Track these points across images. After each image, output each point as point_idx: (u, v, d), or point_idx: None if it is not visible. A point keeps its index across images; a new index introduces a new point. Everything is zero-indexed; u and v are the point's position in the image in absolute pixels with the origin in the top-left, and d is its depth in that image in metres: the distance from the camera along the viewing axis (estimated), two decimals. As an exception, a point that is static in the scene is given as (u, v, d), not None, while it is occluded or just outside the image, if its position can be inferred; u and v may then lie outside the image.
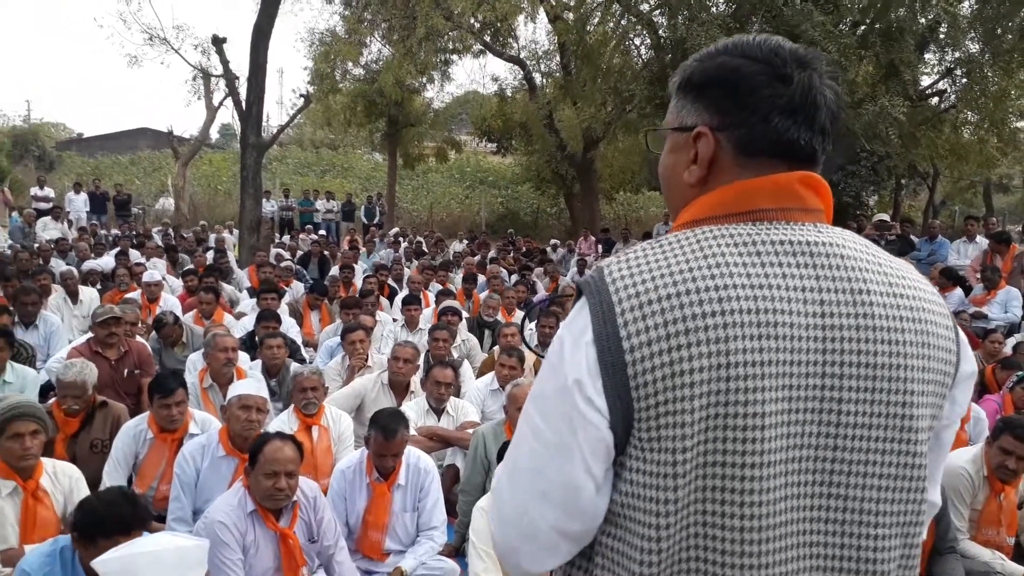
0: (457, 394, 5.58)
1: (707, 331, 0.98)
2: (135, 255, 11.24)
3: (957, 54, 11.60)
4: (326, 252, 13.08)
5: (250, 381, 4.41)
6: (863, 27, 10.44)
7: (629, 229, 17.50)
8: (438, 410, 5.05)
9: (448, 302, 7.64)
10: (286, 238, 17.14)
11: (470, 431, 4.78)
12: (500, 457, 3.29)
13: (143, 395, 5.18)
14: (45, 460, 3.60)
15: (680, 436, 0.99)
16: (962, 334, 1.17)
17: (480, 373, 6.12)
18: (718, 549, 1.01)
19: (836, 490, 1.04)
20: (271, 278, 9.42)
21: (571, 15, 16.18)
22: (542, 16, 17.62)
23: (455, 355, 6.35)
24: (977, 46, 11.24)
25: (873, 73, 10.05)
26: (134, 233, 15.01)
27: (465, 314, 7.94)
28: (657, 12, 13.23)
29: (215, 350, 5.00)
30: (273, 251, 12.83)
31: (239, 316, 7.94)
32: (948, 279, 8.85)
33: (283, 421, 4.55)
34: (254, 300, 8.59)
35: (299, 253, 13.51)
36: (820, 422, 1.03)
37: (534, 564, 1.11)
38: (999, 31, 10.06)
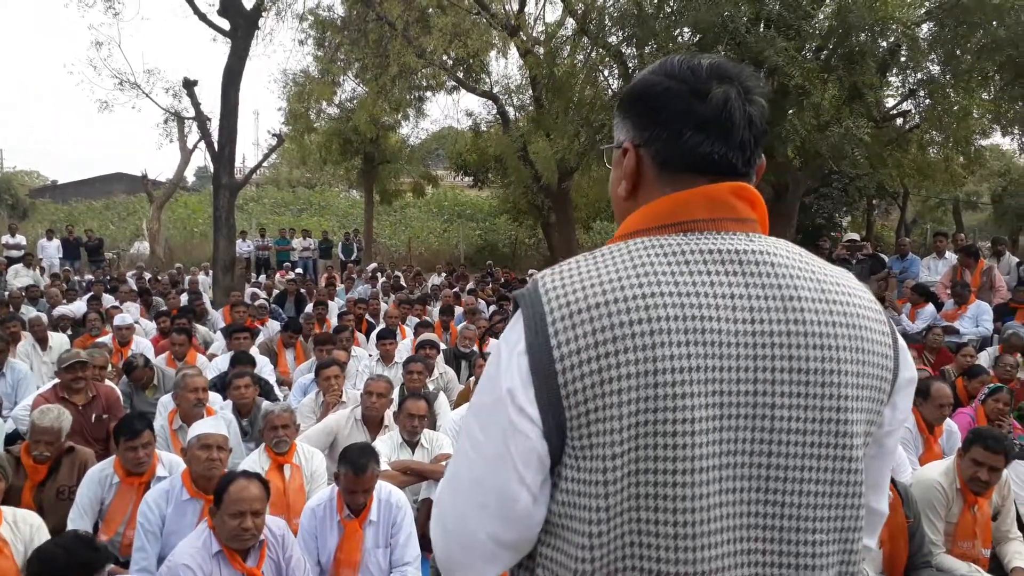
0: (432, 426, 5.53)
1: (634, 338, 0.99)
2: (109, 299, 11.12)
3: (919, 75, 11.85)
4: (302, 290, 13.02)
5: (208, 420, 4.32)
6: (825, 52, 10.65)
7: (606, 258, 17.51)
8: (412, 443, 4.99)
9: (426, 335, 7.61)
10: (262, 277, 17.06)
11: (444, 464, 4.73)
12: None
13: (112, 441, 5.09)
14: (5, 509, 3.52)
15: (610, 443, 0.99)
16: (901, 340, 1.17)
17: (457, 404, 6.08)
18: (652, 557, 1.00)
19: (772, 496, 1.04)
20: (240, 318, 9.38)
21: (541, 49, 16.39)
22: (513, 51, 17.85)
23: (431, 388, 6.30)
24: (938, 67, 11.48)
25: (837, 96, 10.25)
26: (107, 278, 14.87)
27: (443, 346, 7.91)
28: (624, 44, 13.43)
29: (185, 391, 4.94)
30: (248, 290, 12.75)
31: (211, 357, 7.86)
32: (920, 295, 8.94)
33: (254, 460, 4.48)
34: (225, 340, 8.53)
35: (275, 292, 13.47)
36: (753, 428, 1.03)
37: (474, 575, 1.11)
38: (958, 52, 10.30)
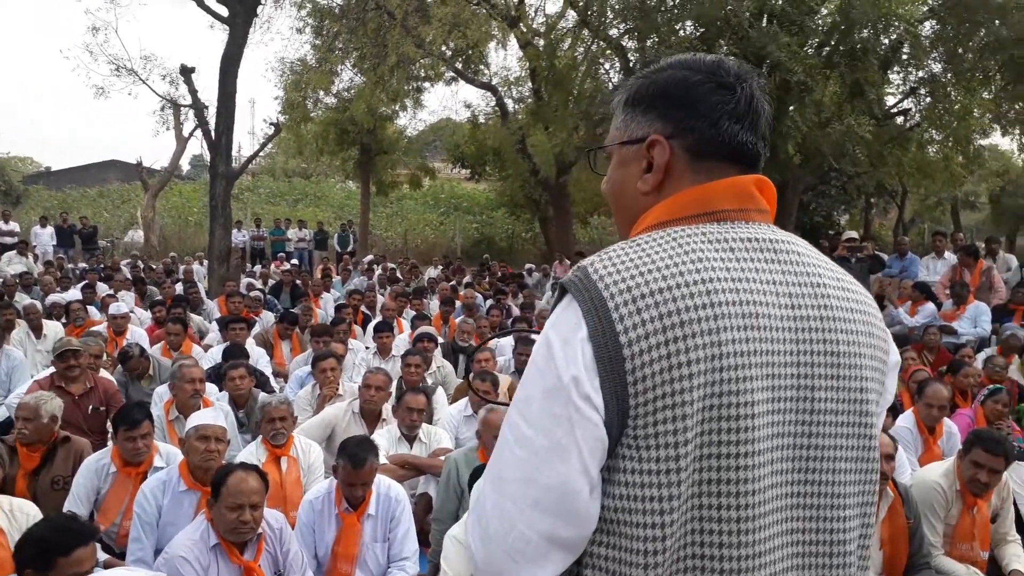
0: (429, 420, 5.50)
1: (700, 323, 1.00)
2: (103, 288, 11.06)
3: (920, 73, 11.84)
4: (298, 281, 12.96)
5: (207, 411, 4.28)
6: (827, 48, 10.62)
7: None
8: (410, 437, 4.96)
9: (424, 328, 7.57)
10: (257, 268, 16.98)
11: (443, 458, 4.71)
12: (472, 483, 3.22)
13: (108, 433, 5.05)
14: (1, 497, 3.48)
15: (681, 430, 0.99)
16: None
17: (454, 399, 6.05)
18: (715, 543, 1.01)
19: (811, 476, 1.08)
20: (236, 309, 9.33)
21: (541, 41, 16.33)
22: (513, 42, 17.78)
23: (429, 382, 6.27)
24: (939, 65, 11.46)
25: (839, 93, 10.22)
26: (101, 266, 14.79)
27: (440, 339, 7.88)
28: (626, 37, 13.38)
29: (182, 381, 4.90)
30: (244, 281, 12.68)
31: (207, 348, 7.82)
32: (921, 293, 8.95)
33: (251, 452, 4.45)
34: (221, 331, 8.49)
35: (271, 282, 13.40)
36: (797, 410, 1.07)
37: None
38: (960, 50, 10.28)
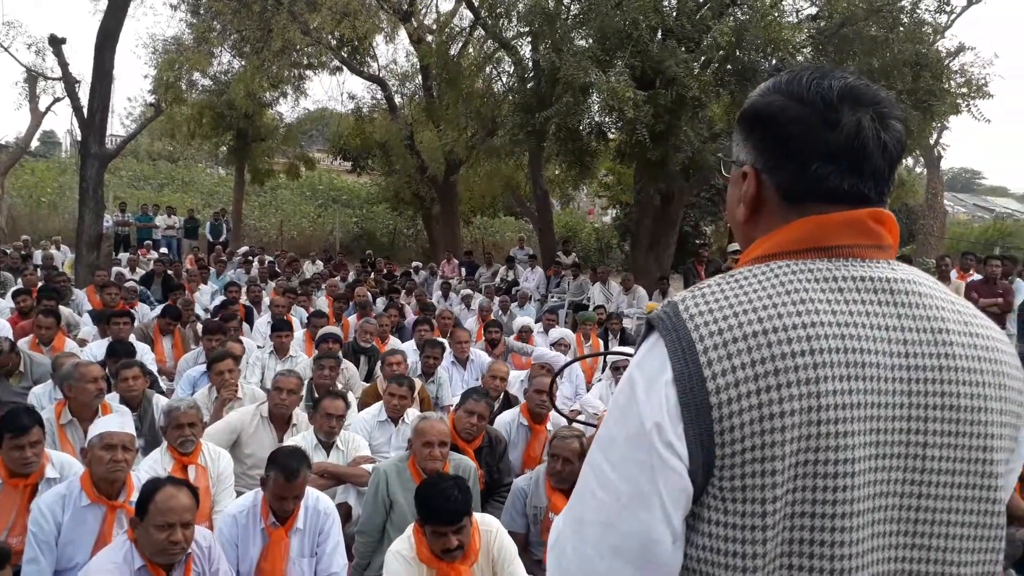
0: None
1: (797, 371, 0.93)
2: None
3: (795, 96, 12.54)
4: (170, 271, 12.20)
5: (112, 417, 3.93)
6: (715, 65, 11.08)
7: (492, 253, 17.56)
8: (327, 444, 4.74)
9: (328, 328, 7.30)
10: (124, 255, 15.87)
11: (365, 467, 4.55)
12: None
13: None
14: None
15: (770, 485, 0.92)
16: None
17: (363, 403, 5.85)
18: None
19: (919, 540, 1.01)
20: (111, 300, 8.68)
21: (430, 37, 16.14)
22: (403, 37, 17.51)
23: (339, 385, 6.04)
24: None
25: (729, 109, 10.70)
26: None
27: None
28: (520, 39, 13.45)
29: (82, 382, 4.43)
30: (114, 270, 11.80)
31: (82, 343, 7.21)
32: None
33: (155, 460, 4.13)
34: (97, 325, 7.86)
35: (139, 272, 12.55)
36: (905, 468, 0.99)
37: None
38: (834, 78, 10.96)
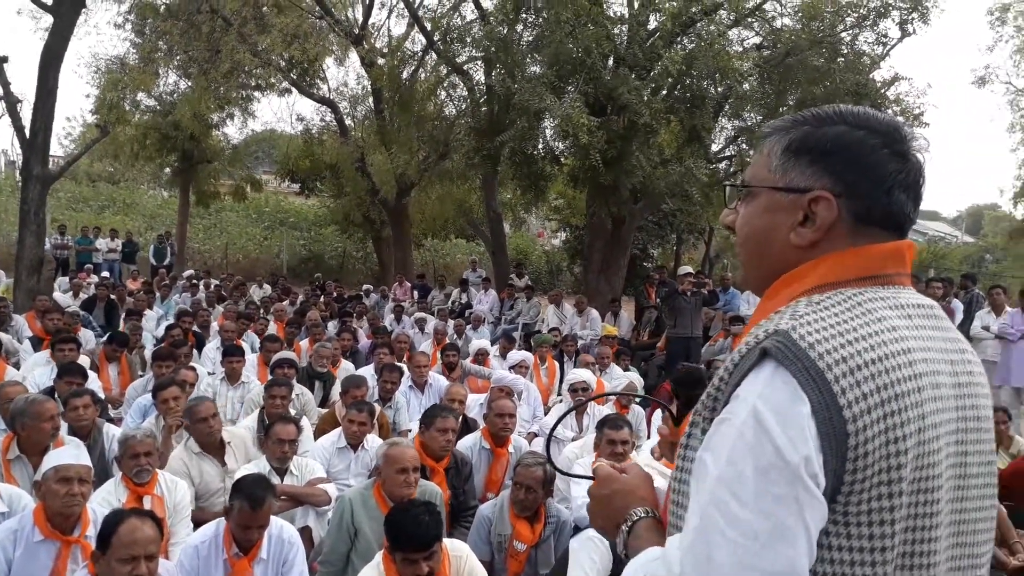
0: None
1: (909, 396, 0.99)
2: None
3: (738, 123, 12.90)
4: (112, 296, 11.87)
5: (66, 449, 3.79)
6: (666, 92, 11.32)
7: (444, 276, 17.51)
8: (281, 470, 4.66)
9: (284, 353, 7.18)
10: (63, 280, 15.37)
11: (322, 487, 4.49)
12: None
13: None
14: None
15: (896, 507, 0.97)
16: None
17: (320, 429, 5.75)
18: None
19: (961, 539, 1.10)
20: (53, 327, 8.39)
21: (381, 60, 16.13)
22: (354, 59, 17.44)
23: (293, 412, 5.93)
24: (757, 117, 12.54)
25: (679, 136, 10.92)
26: None
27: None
28: (472, 63, 13.54)
29: (38, 420, 4.23)
30: (56, 295, 11.41)
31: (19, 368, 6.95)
32: (742, 327, 9.65)
33: (109, 491, 4.01)
34: (38, 352, 7.59)
35: (81, 296, 12.17)
36: (957, 475, 1.08)
37: None
38: (780, 108, 11.31)
